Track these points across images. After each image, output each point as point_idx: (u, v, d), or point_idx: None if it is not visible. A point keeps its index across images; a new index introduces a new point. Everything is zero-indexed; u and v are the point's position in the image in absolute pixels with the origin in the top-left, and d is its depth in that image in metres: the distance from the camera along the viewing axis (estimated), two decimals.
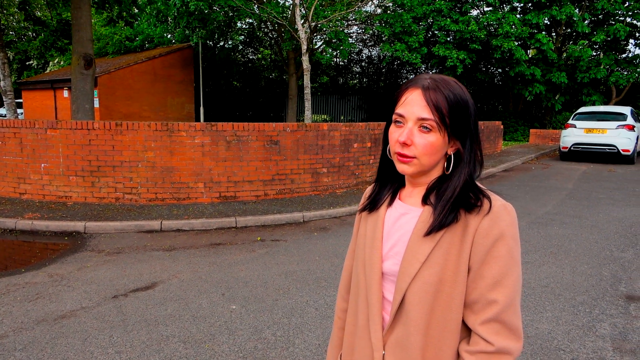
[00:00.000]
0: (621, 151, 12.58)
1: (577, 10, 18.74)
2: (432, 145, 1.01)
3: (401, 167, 1.05)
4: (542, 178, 10.43)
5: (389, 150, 1.12)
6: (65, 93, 19.03)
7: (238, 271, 4.48)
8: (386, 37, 19.18)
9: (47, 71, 26.48)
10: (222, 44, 25.15)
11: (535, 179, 10.26)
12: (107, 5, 12.70)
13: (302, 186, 7.76)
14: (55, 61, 25.84)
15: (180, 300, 3.80)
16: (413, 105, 1.01)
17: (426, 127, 1.00)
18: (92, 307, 3.67)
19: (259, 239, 5.61)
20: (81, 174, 6.83)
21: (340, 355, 1.26)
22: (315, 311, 3.61)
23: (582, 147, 13.15)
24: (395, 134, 1.04)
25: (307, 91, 13.12)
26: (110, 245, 5.30)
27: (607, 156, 13.15)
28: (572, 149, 13.35)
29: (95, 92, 17.00)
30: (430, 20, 19.78)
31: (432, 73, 1.07)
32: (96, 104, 17.31)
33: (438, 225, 1.01)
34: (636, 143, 12.77)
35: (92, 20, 21.88)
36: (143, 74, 19.44)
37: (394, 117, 1.05)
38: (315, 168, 7.86)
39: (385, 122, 1.14)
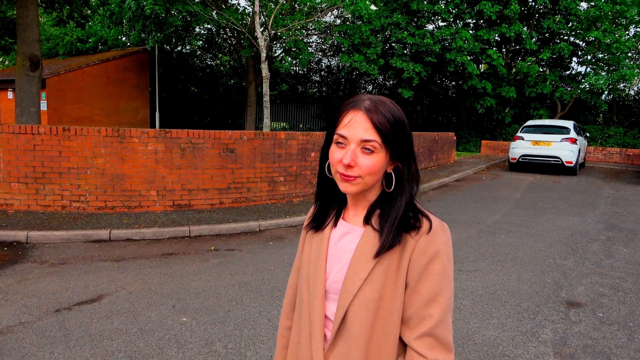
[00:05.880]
0: (565, 163, 13.27)
1: (525, 29, 19.71)
2: (375, 165, 1.03)
3: (344, 187, 1.06)
4: (492, 188, 10.84)
5: (327, 168, 1.13)
6: (10, 94, 18.08)
7: (190, 282, 4.37)
8: (345, 48, 19.44)
9: None
10: (179, 48, 24.70)
11: (486, 189, 10.64)
12: (57, 5, 12.21)
13: (259, 195, 7.70)
14: None
15: (127, 313, 3.67)
16: (356, 127, 1.02)
17: (368, 149, 1.02)
18: (32, 322, 3.48)
19: (213, 248, 5.51)
20: (24, 180, 6.49)
21: None
22: (268, 322, 3.58)
23: (529, 159, 13.78)
24: (338, 154, 1.05)
25: (266, 99, 13.08)
26: (55, 256, 5.06)
27: (552, 167, 13.84)
28: (520, 160, 13.97)
29: (44, 94, 16.25)
30: (387, 32, 20.25)
31: (369, 94, 1.09)
32: (44, 107, 16.53)
33: (386, 247, 1.03)
34: (578, 155, 13.52)
35: (41, 20, 20.92)
36: (95, 77, 18.75)
37: (335, 137, 1.06)
38: (272, 177, 7.83)
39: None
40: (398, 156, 1.07)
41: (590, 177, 13.59)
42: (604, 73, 19.59)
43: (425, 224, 1.05)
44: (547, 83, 19.64)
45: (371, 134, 1.01)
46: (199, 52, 26.31)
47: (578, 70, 21.63)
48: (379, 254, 1.03)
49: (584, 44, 20.51)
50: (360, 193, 1.09)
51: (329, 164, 1.12)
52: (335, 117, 1.08)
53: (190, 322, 3.55)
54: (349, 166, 1.03)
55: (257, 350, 3.15)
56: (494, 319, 3.75)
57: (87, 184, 6.60)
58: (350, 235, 1.12)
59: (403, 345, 1.07)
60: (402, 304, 1.04)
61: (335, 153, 1.06)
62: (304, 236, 1.26)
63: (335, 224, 1.17)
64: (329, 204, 1.20)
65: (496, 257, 5.43)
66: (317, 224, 1.19)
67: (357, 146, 1.03)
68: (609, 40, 18.24)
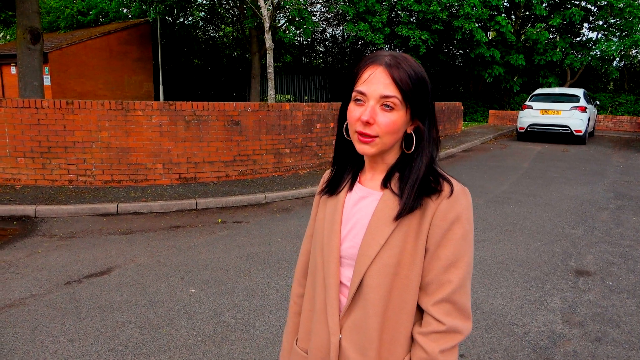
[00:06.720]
0: (574, 132, 13.07)
1: None
2: (394, 123, 0.98)
3: (362, 148, 1.02)
4: (500, 158, 10.73)
5: (346, 129, 1.09)
6: (13, 69, 17.94)
7: (198, 254, 4.39)
8: (350, 16, 18.99)
9: None
10: (181, 20, 24.28)
11: (494, 159, 10.54)
12: None
13: (265, 167, 7.67)
14: (0, 35, 24.28)
15: (137, 285, 3.70)
16: (376, 82, 0.98)
17: (388, 106, 0.97)
18: (43, 294, 3.51)
19: (219, 221, 5.52)
20: (30, 155, 6.49)
21: (297, 341, 1.23)
22: (277, 293, 3.59)
23: (537, 128, 13.58)
24: (356, 112, 1.00)
25: (270, 70, 12.90)
26: (63, 229, 5.09)
27: (561, 136, 13.64)
28: (528, 129, 13.77)
29: (47, 69, 16.11)
30: (393, 0, 19.71)
31: (390, 50, 1.04)
32: (47, 82, 16.41)
33: (407, 210, 1.00)
34: (588, 124, 13.30)
35: None
36: (98, 51, 18.52)
37: (354, 94, 1.01)
38: (277, 148, 7.78)
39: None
40: (419, 115, 1.02)
41: (599, 146, 13.41)
42: (615, 39, 19.04)
43: (446, 187, 1.01)
44: (557, 50, 19.16)
45: (391, 90, 0.97)
46: (201, 24, 25.86)
47: (589, 37, 21.09)
48: (399, 216, 1.00)
49: (595, 8, 19.88)
50: (379, 155, 1.05)
51: (347, 125, 1.08)
52: (355, 74, 1.03)
53: (199, 293, 3.57)
54: (367, 123, 0.98)
55: (265, 319, 3.17)
56: (502, 288, 3.75)
57: (92, 157, 6.59)
58: (367, 199, 1.08)
59: (420, 312, 1.05)
60: (421, 270, 1.01)
61: (353, 111, 1.02)
62: (317, 201, 1.22)
63: (350, 188, 1.13)
64: (345, 168, 1.15)
65: (504, 226, 5.40)
66: (332, 188, 1.15)
67: (376, 103, 0.98)
68: (622, 4, 17.64)
